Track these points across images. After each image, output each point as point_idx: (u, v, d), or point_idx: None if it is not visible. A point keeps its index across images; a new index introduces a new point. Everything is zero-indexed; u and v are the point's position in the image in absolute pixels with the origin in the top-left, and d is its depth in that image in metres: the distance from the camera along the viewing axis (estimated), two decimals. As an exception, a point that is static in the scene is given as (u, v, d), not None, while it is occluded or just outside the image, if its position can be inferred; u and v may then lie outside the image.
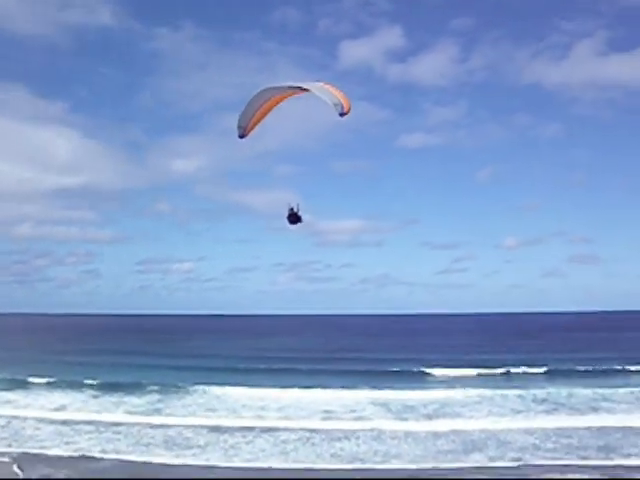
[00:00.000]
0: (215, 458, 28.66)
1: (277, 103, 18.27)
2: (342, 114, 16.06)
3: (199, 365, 66.71)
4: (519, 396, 43.95)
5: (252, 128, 18.61)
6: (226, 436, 32.91)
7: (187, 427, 35.03)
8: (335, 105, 16.07)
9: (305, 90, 16.92)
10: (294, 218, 19.00)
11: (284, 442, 31.71)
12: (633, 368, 59.22)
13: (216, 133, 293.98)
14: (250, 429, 34.65)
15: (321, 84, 16.83)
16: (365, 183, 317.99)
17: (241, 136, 18.60)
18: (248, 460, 28.34)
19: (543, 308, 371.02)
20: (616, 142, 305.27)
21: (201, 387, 48.26)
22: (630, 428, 33.55)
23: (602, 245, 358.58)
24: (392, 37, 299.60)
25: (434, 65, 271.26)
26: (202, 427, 35.13)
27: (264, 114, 18.46)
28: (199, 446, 30.86)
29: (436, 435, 32.72)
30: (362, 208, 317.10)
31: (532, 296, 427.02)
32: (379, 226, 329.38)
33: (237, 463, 27.84)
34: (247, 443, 31.51)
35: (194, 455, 29.21)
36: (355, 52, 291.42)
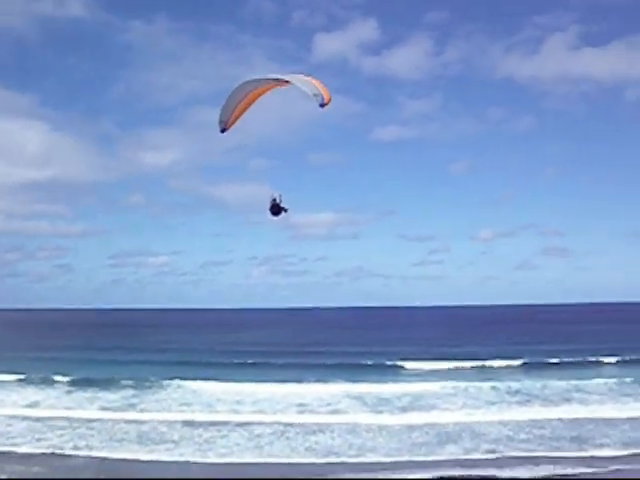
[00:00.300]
0: (189, 453, 28.44)
1: (259, 96, 18.18)
2: (322, 105, 16.10)
3: (173, 359, 66.36)
4: (493, 388, 44.25)
5: (234, 122, 18.50)
6: (200, 430, 32.66)
7: (161, 422, 34.68)
8: (315, 96, 16.12)
9: (286, 82, 16.88)
10: (276, 209, 19.07)
11: (259, 436, 31.56)
12: (606, 360, 60.02)
13: (191, 126, 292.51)
14: (225, 423, 34.43)
15: (302, 76, 16.81)
16: (340, 176, 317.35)
17: (222, 130, 18.49)
18: (222, 455, 28.17)
19: (517, 300, 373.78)
20: (588, 136, 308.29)
21: (175, 382, 47.81)
22: (602, 419, 33.90)
23: (574, 238, 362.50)
24: (366, 30, 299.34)
25: (408, 58, 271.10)
26: (176, 422, 34.83)
27: (245, 107, 18.37)
28: (173, 441, 30.59)
29: (411, 428, 32.79)
30: (337, 201, 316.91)
31: (506, 288, 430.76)
32: (354, 219, 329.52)
33: (211, 458, 27.65)
34: (222, 437, 31.30)
35: (168, 450, 28.95)
36: (329, 45, 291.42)
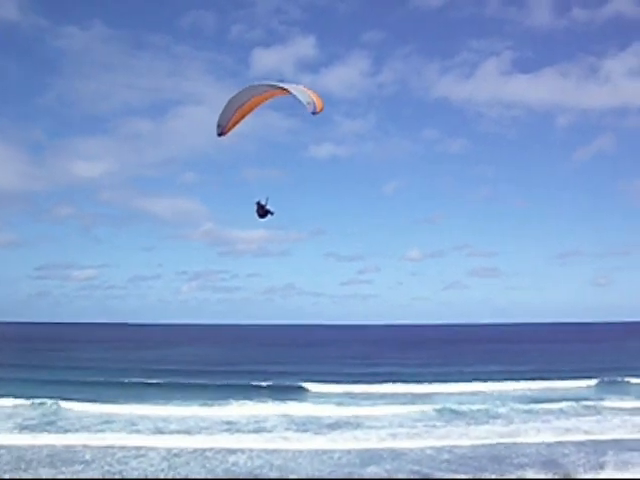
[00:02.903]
0: (97, 474, 27.04)
1: (258, 104, 18.59)
2: (314, 112, 16.78)
3: (89, 379, 62.48)
4: (418, 410, 43.99)
5: (231, 127, 18.87)
6: (115, 450, 31.22)
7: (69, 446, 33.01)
8: (308, 104, 16.75)
9: (285, 90, 17.40)
10: (262, 212, 19.15)
11: (176, 456, 30.37)
12: (521, 378, 59.92)
13: (123, 137, 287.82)
14: (141, 444, 32.94)
15: (301, 86, 17.54)
16: (272, 193, 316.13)
17: (220, 134, 18.86)
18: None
19: (445, 320, 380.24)
20: (519, 160, 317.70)
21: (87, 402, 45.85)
22: (514, 443, 33.86)
23: (503, 259, 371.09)
24: (305, 47, 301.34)
25: (345, 77, 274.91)
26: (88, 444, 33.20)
27: (244, 114, 18.71)
28: (84, 462, 29.08)
29: (333, 448, 32.18)
30: (268, 218, 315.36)
31: (435, 308, 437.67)
32: (285, 236, 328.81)
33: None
34: (135, 457, 29.94)
35: (74, 473, 27.44)
36: (267, 60, 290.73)
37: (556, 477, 26.31)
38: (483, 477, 26.20)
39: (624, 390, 53.64)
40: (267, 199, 19.14)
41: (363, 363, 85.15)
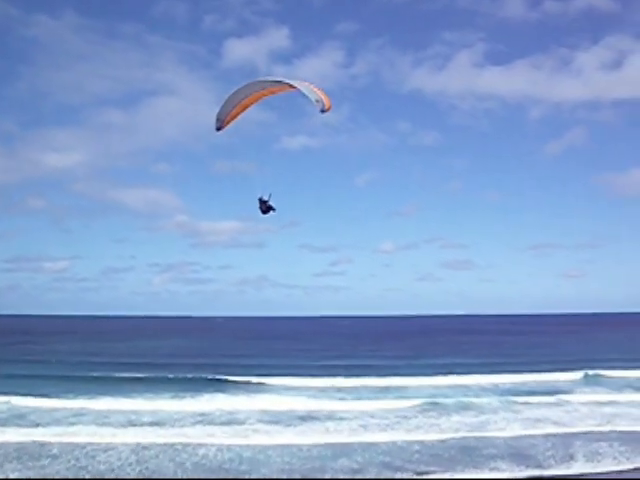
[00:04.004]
0: (64, 469, 26.64)
1: (258, 99, 18.54)
2: (323, 110, 17.05)
3: (61, 373, 61.54)
4: (389, 402, 44.21)
5: (229, 122, 18.84)
6: (84, 444, 30.76)
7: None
8: (317, 102, 16.94)
9: (289, 86, 17.47)
10: (265, 207, 19.15)
11: (146, 448, 30.04)
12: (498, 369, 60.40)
13: (95, 128, 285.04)
14: (110, 438, 32.54)
15: (306, 83, 17.58)
16: (245, 184, 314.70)
17: (218, 129, 18.84)
18: (101, 472, 26.51)
19: (418, 312, 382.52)
20: (492, 152, 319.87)
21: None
22: (484, 435, 34.07)
23: (476, 251, 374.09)
24: (278, 38, 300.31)
25: (318, 69, 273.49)
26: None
27: (244, 108, 18.64)
28: (50, 456, 28.64)
29: (304, 441, 32.03)
30: (241, 209, 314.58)
31: (408, 300, 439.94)
32: (258, 228, 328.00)
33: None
34: (104, 451, 29.55)
35: (42, 467, 27.01)
36: (240, 51, 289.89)
37: (528, 469, 26.48)
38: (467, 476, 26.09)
39: (595, 381, 54.17)
40: (270, 195, 19.14)
41: (335, 356, 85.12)
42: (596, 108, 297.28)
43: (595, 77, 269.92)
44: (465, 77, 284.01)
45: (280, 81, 17.68)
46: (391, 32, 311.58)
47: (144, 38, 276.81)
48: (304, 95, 17.19)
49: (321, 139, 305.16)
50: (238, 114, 18.72)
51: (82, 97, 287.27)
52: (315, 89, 17.30)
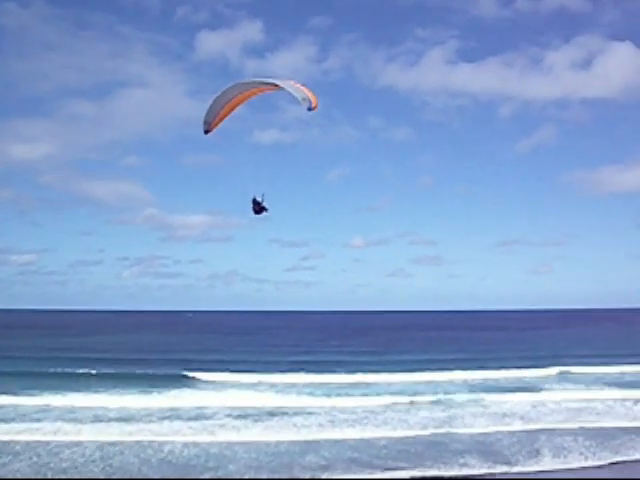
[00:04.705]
0: (25, 466, 26.08)
1: (245, 99, 18.47)
2: (310, 109, 17.15)
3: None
4: (358, 398, 44.21)
5: (217, 124, 18.74)
6: (49, 441, 30.23)
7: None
8: (303, 100, 17.00)
9: (275, 86, 17.42)
10: (258, 208, 19.08)
11: (112, 445, 29.60)
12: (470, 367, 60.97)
13: (64, 119, 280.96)
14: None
15: (292, 82, 17.60)
16: (215, 178, 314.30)
17: (206, 131, 18.62)
18: (63, 470, 26.02)
19: (388, 307, 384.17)
20: (463, 148, 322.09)
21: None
22: (451, 431, 34.22)
23: (446, 247, 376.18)
24: (251, 31, 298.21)
25: (291, 63, 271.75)
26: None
27: (231, 109, 18.58)
28: (12, 453, 28.05)
29: (272, 437, 31.89)
30: (212, 203, 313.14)
31: (378, 295, 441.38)
32: (228, 222, 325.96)
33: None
34: (69, 447, 29.05)
35: (3, 464, 26.40)
36: (212, 43, 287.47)
37: (497, 465, 26.59)
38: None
39: (565, 378, 54.61)
40: (263, 195, 19.05)
41: (305, 351, 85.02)
42: (566, 106, 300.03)
43: (565, 76, 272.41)
44: (437, 74, 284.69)
45: (266, 81, 17.64)
46: (364, 27, 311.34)
47: (115, 29, 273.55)
48: (290, 94, 17.20)
49: (293, 133, 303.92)
50: (226, 115, 18.62)
51: (50, 87, 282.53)
52: (301, 87, 17.37)
